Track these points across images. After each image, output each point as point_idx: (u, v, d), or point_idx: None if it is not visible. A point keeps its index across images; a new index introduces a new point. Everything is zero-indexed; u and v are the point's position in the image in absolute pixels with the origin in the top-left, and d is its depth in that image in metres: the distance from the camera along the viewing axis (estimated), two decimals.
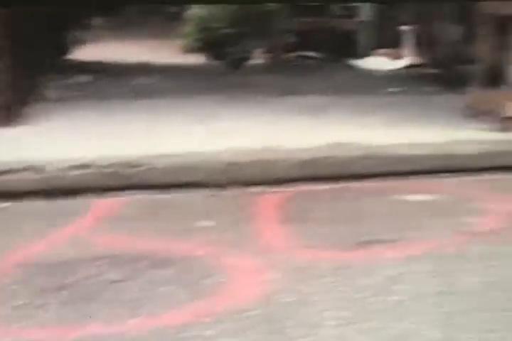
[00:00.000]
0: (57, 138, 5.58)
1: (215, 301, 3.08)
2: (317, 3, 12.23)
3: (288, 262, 3.53)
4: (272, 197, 4.71)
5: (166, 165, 4.90)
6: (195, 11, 11.03)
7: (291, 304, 3.05)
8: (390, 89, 8.11)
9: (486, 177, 5.25)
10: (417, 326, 2.85)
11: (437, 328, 2.84)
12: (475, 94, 6.52)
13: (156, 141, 5.40)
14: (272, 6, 10.81)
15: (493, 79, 6.28)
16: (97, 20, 12.96)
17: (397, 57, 10.32)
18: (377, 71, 9.81)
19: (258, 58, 10.64)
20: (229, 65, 10.31)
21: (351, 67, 10.20)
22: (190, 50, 11.04)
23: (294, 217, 4.28)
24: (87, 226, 4.14)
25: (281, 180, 4.93)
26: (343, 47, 10.88)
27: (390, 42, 10.52)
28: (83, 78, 8.77)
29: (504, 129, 5.92)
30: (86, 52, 10.75)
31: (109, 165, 4.81)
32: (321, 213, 4.35)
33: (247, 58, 10.51)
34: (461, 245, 3.80)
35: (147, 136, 5.60)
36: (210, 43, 10.72)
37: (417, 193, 4.77)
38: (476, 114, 6.37)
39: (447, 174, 5.24)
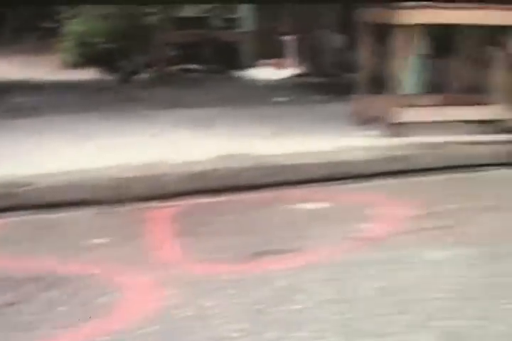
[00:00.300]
0: None
1: (113, 319, 3.06)
2: (199, 16, 12.32)
3: (184, 276, 3.53)
4: (164, 211, 4.71)
5: (53, 184, 4.82)
6: (73, 26, 10.92)
7: (190, 318, 3.06)
8: (277, 99, 8.21)
9: (377, 183, 5.40)
10: (319, 334, 2.90)
11: (341, 335, 2.90)
12: (361, 101, 6.68)
13: (42, 160, 5.30)
14: (152, 19, 10.82)
15: (377, 85, 6.46)
16: None
17: (282, 67, 10.47)
18: (262, 81, 9.91)
19: (143, 72, 10.60)
20: (118, 80, 10.26)
21: (237, 79, 10.28)
22: (71, 65, 10.91)
23: (187, 231, 4.28)
24: None
25: (172, 194, 4.94)
26: (227, 59, 10.96)
27: (274, 53, 10.66)
28: None
29: (392, 135, 6.09)
30: None
31: None
32: (215, 226, 4.38)
33: (134, 72, 10.46)
34: (356, 251, 3.90)
35: (33, 155, 5.49)
36: (91, 58, 10.63)
37: (310, 202, 4.86)
38: (363, 120, 6.53)
39: (339, 181, 5.35)
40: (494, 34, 6.34)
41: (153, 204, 4.82)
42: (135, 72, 10.42)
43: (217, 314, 3.09)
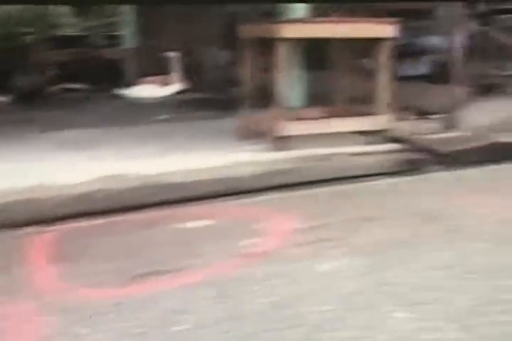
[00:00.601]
0: None
1: None
2: (80, 34, 12.20)
3: (63, 304, 3.45)
4: (45, 236, 4.59)
5: None
6: None
7: None
8: (162, 117, 8.18)
9: (265, 197, 5.42)
10: None
11: None
12: (246, 116, 6.72)
13: None
14: (31, 38, 10.67)
15: (262, 100, 6.51)
16: None
17: (167, 83, 10.45)
18: (147, 99, 9.87)
19: (21, 93, 10.38)
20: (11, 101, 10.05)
21: (120, 97, 10.19)
22: None
23: (68, 256, 4.18)
24: None
25: (54, 217, 4.83)
26: (110, 77, 10.86)
27: (158, 70, 10.62)
28: None
29: (278, 149, 6.15)
30: None
31: None
32: (98, 249, 4.29)
33: (29, 93, 10.24)
34: (243, 268, 3.90)
35: None
36: None
37: (197, 219, 4.83)
38: (249, 135, 6.58)
39: (226, 198, 5.36)
40: (370, 46, 6.51)
41: (34, 229, 4.71)
42: (30, 93, 10.19)
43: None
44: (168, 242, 4.40)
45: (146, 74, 10.58)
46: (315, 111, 6.84)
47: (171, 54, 10.55)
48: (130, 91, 10.26)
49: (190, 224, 4.75)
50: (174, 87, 10.37)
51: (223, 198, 5.36)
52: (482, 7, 9.68)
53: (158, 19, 10.99)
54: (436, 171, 6.14)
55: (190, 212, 5.08)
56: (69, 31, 12.29)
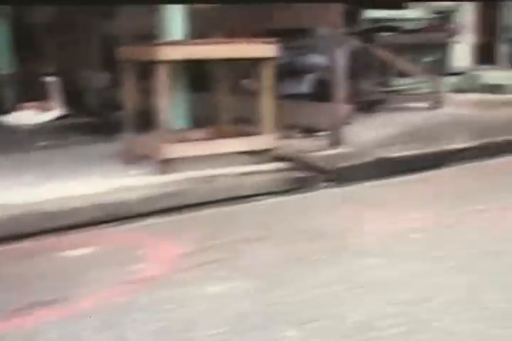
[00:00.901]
0: None
1: None
2: None
3: None
4: None
5: None
6: None
7: None
8: (41, 144, 8.04)
9: (151, 221, 5.39)
10: None
11: None
12: (129, 140, 6.68)
13: None
14: None
15: (144, 123, 6.49)
16: None
17: (45, 109, 10.26)
18: (24, 126, 9.67)
19: None
20: None
21: None
22: None
23: None
24: None
25: None
26: None
27: (36, 95, 10.45)
28: None
29: (163, 172, 6.12)
30: None
31: None
32: None
33: None
34: (129, 295, 3.85)
35: None
36: None
37: (82, 247, 4.76)
38: (133, 159, 6.53)
39: (110, 224, 5.30)
40: (252, 66, 6.59)
41: None
42: None
43: None
44: (52, 272, 4.31)
45: (23, 100, 10.38)
46: (200, 133, 6.86)
47: (49, 78, 10.39)
48: (7, 118, 10.04)
49: (74, 252, 4.67)
50: (53, 112, 10.19)
51: (108, 224, 5.30)
52: (364, 25, 9.94)
53: (34, 43, 10.83)
54: (323, 188, 6.24)
55: (74, 239, 5.00)
56: None
